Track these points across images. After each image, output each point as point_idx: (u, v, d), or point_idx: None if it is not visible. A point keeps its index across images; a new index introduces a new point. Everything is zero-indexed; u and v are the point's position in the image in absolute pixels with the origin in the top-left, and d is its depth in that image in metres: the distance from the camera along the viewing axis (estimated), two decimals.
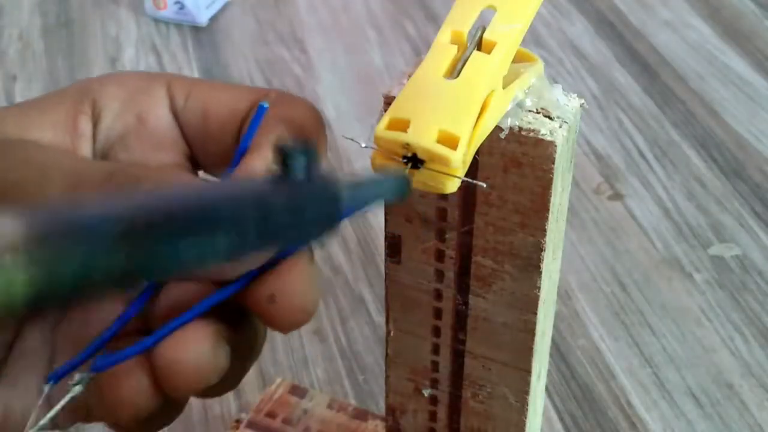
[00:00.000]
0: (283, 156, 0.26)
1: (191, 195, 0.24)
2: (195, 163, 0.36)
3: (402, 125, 0.31)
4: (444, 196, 0.37)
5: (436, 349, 0.43)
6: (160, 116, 0.34)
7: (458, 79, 0.31)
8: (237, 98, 0.34)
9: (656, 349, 0.70)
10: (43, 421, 0.29)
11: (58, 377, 0.30)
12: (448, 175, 0.30)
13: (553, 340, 0.67)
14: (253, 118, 0.33)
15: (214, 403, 0.67)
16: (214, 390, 0.30)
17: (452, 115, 0.30)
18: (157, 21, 1.09)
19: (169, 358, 0.27)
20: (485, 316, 0.40)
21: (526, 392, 0.41)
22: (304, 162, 0.26)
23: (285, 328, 0.29)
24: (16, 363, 0.31)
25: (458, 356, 0.42)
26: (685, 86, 0.96)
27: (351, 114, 0.94)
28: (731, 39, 1.03)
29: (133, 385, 0.28)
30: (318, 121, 0.34)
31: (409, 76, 0.33)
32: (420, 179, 0.31)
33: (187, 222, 0.23)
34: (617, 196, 0.84)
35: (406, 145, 0.30)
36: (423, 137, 0.30)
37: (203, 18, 1.07)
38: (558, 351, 0.70)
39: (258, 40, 1.05)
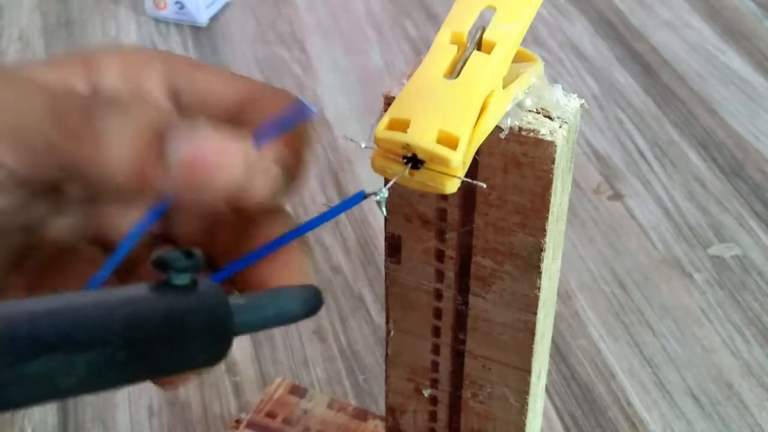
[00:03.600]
0: (163, 263, 0.24)
1: (42, 308, 0.21)
2: None
3: (402, 125, 0.31)
4: (444, 197, 0.37)
5: (436, 349, 0.43)
6: (155, 91, 0.34)
7: (458, 79, 0.31)
8: (233, 89, 0.34)
9: (656, 349, 0.70)
10: None
11: (96, 283, 0.29)
12: (448, 175, 0.30)
13: (553, 340, 0.67)
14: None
15: (214, 403, 0.67)
16: None
17: (452, 115, 0.30)
18: (157, 21, 1.09)
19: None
20: (485, 316, 0.40)
21: (526, 392, 0.41)
22: (186, 268, 0.24)
23: None
24: None
25: (458, 356, 0.42)
26: (685, 86, 0.96)
27: (351, 114, 0.94)
28: (731, 39, 1.03)
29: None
30: (308, 129, 0.34)
31: (409, 76, 0.33)
32: (420, 179, 0.31)
33: (30, 341, 0.20)
34: (617, 196, 0.84)
35: (406, 146, 0.30)
36: (423, 138, 0.30)
37: (203, 18, 1.07)
38: (558, 351, 0.70)
39: (258, 40, 1.05)
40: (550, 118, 0.34)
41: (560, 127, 0.34)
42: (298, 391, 0.61)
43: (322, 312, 0.78)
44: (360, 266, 0.77)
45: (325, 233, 0.80)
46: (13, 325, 0.20)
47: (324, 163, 0.87)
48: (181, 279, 0.24)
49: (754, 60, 0.99)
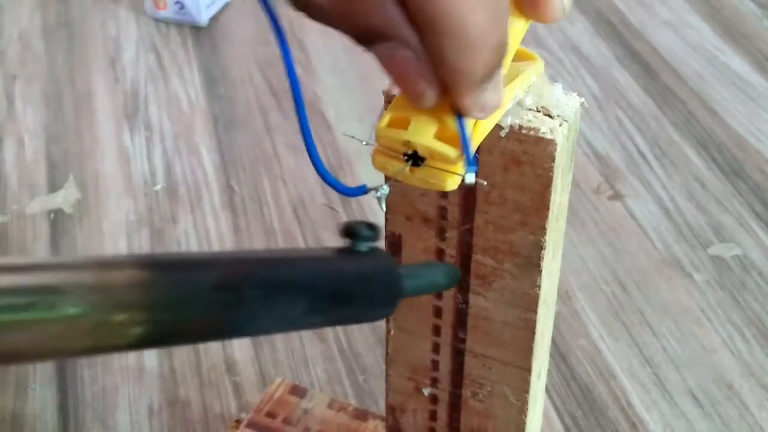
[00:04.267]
0: (351, 231, 0.29)
1: (280, 258, 0.27)
2: None
3: (403, 123, 0.31)
4: (444, 195, 0.37)
5: (436, 348, 0.43)
6: None
7: None
8: None
9: (656, 349, 0.70)
10: None
11: None
12: (448, 172, 0.30)
13: (553, 340, 0.67)
14: None
15: (214, 403, 0.67)
16: None
17: (452, 113, 0.30)
18: (157, 21, 1.09)
19: None
20: (485, 314, 0.40)
21: (527, 391, 0.41)
22: (369, 238, 0.29)
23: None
24: None
25: (458, 355, 0.42)
26: (685, 86, 0.96)
27: (351, 114, 0.94)
28: (731, 39, 1.03)
29: None
30: None
31: None
32: (420, 177, 0.31)
33: (275, 283, 0.26)
34: (617, 196, 0.84)
35: (407, 143, 0.30)
36: (423, 135, 0.30)
37: (203, 18, 1.07)
38: (558, 351, 0.70)
39: (258, 40, 1.05)
40: (550, 116, 0.34)
41: (560, 125, 0.34)
42: (298, 391, 0.61)
43: None
44: None
45: (325, 233, 0.80)
46: (267, 270, 0.26)
47: (324, 163, 0.87)
48: (364, 246, 0.29)
49: (754, 60, 0.99)
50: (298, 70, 1.00)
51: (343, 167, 0.87)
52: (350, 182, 0.86)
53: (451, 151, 0.30)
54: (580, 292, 0.74)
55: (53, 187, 0.86)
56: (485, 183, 0.34)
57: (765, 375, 0.68)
